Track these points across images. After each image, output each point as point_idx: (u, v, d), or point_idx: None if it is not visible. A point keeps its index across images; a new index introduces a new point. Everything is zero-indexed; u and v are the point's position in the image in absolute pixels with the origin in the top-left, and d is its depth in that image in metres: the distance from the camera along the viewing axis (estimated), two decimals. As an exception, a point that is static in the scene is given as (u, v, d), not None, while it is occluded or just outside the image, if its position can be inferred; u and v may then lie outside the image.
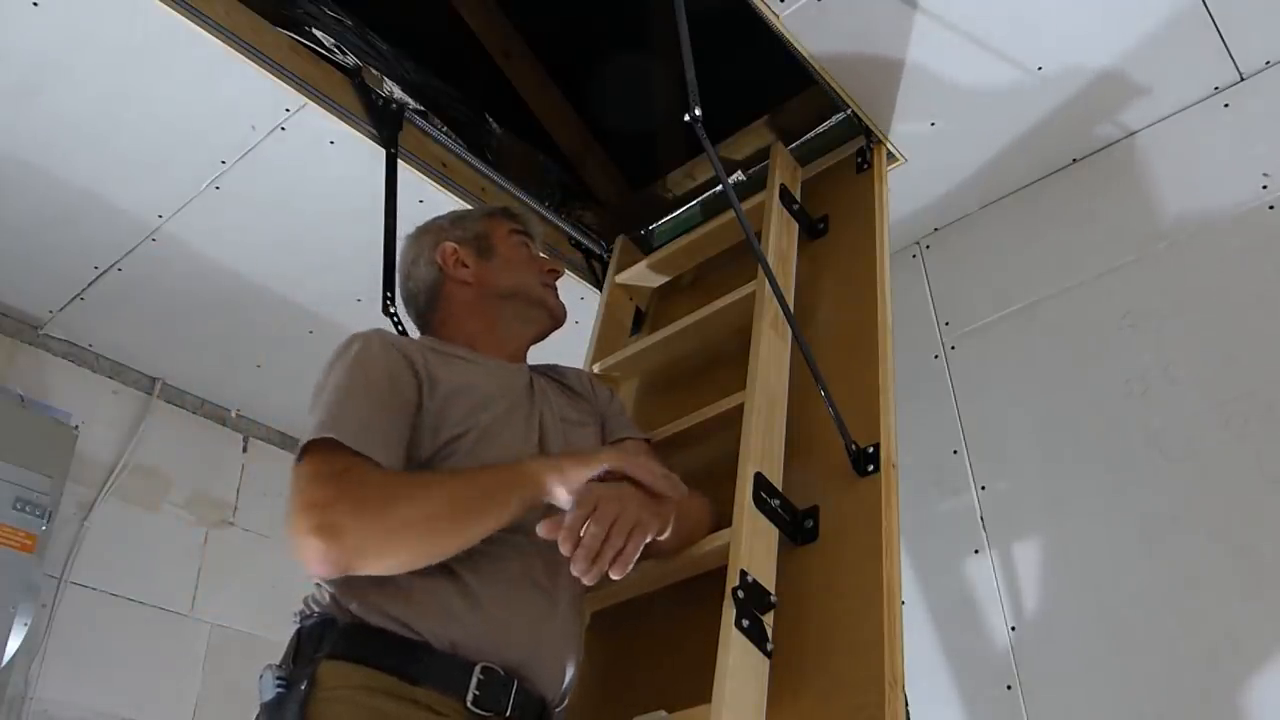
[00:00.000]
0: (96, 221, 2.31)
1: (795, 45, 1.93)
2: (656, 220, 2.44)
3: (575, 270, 2.45)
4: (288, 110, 2.05)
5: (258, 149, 2.14)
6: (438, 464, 1.28)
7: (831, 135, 2.15)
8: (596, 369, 1.98)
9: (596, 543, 1.14)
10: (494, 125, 2.43)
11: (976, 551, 2.06)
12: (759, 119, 2.19)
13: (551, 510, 1.21)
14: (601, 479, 1.21)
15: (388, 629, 1.15)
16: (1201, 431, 1.87)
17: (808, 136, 2.17)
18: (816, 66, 1.97)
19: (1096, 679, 1.83)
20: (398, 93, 2.16)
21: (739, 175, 2.23)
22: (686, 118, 1.31)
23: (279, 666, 1.17)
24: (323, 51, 2.07)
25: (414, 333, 1.61)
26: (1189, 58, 2.02)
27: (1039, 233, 2.25)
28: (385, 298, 1.90)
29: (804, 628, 1.31)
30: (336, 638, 1.16)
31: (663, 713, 1.27)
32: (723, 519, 1.41)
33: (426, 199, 2.20)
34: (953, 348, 2.29)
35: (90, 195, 2.24)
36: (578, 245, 2.50)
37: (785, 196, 1.98)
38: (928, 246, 2.44)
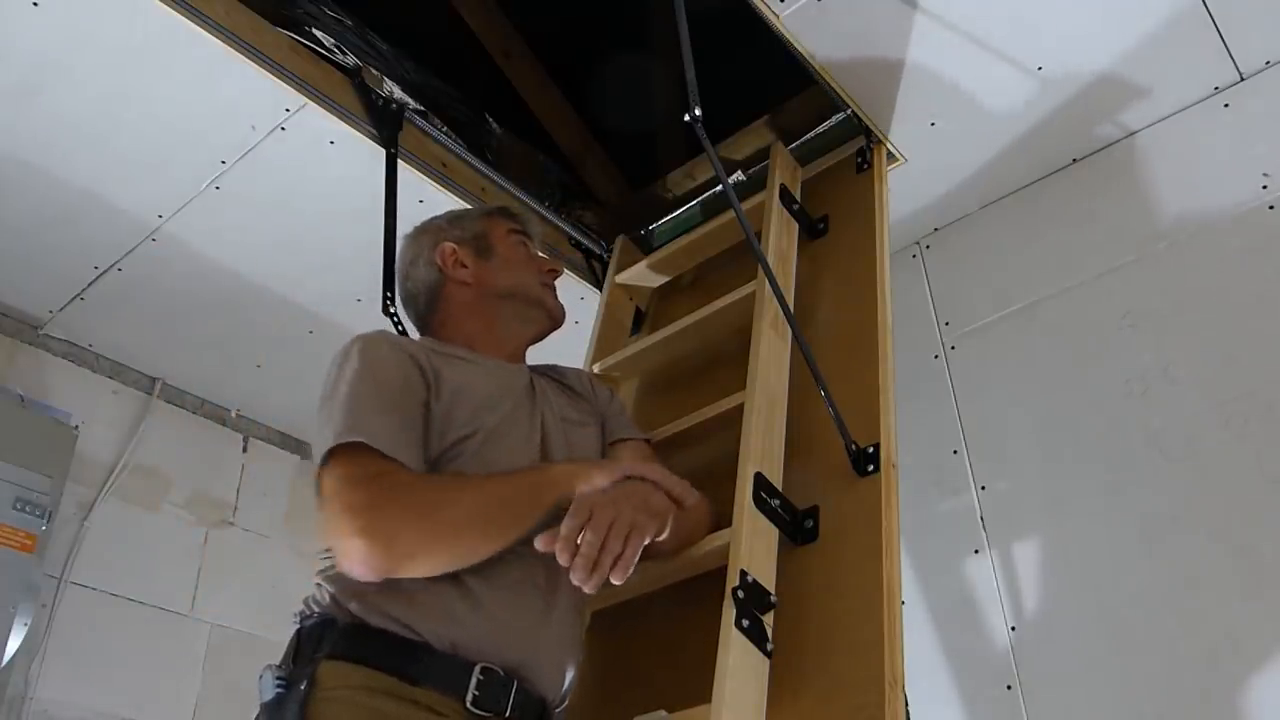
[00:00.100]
0: (96, 221, 2.31)
1: (795, 45, 1.93)
2: (656, 220, 2.44)
3: (575, 270, 2.45)
4: (288, 110, 2.05)
5: (258, 149, 2.14)
6: (444, 465, 1.27)
7: (831, 135, 2.15)
8: (596, 369, 1.98)
9: (594, 550, 1.14)
10: (494, 125, 2.42)
11: (976, 551, 2.06)
12: (759, 119, 2.19)
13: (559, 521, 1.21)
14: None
15: (388, 629, 1.15)
16: (1201, 431, 1.87)
17: (808, 136, 2.17)
18: (816, 66, 1.97)
19: (1096, 679, 1.83)
20: (398, 93, 2.16)
21: (739, 175, 2.23)
22: (686, 118, 1.31)
23: (279, 666, 1.17)
24: (323, 51, 2.07)
25: (414, 333, 1.61)
26: (1189, 58, 2.02)
27: (1039, 233, 2.25)
28: (385, 298, 1.89)
29: (804, 628, 1.31)
30: (336, 638, 1.16)
31: (663, 713, 1.27)
32: (723, 519, 1.40)
33: (426, 199, 2.20)
34: (953, 348, 2.29)
35: (90, 195, 2.24)
36: (578, 245, 2.50)
37: (785, 196, 1.98)
38: (928, 246, 2.44)
